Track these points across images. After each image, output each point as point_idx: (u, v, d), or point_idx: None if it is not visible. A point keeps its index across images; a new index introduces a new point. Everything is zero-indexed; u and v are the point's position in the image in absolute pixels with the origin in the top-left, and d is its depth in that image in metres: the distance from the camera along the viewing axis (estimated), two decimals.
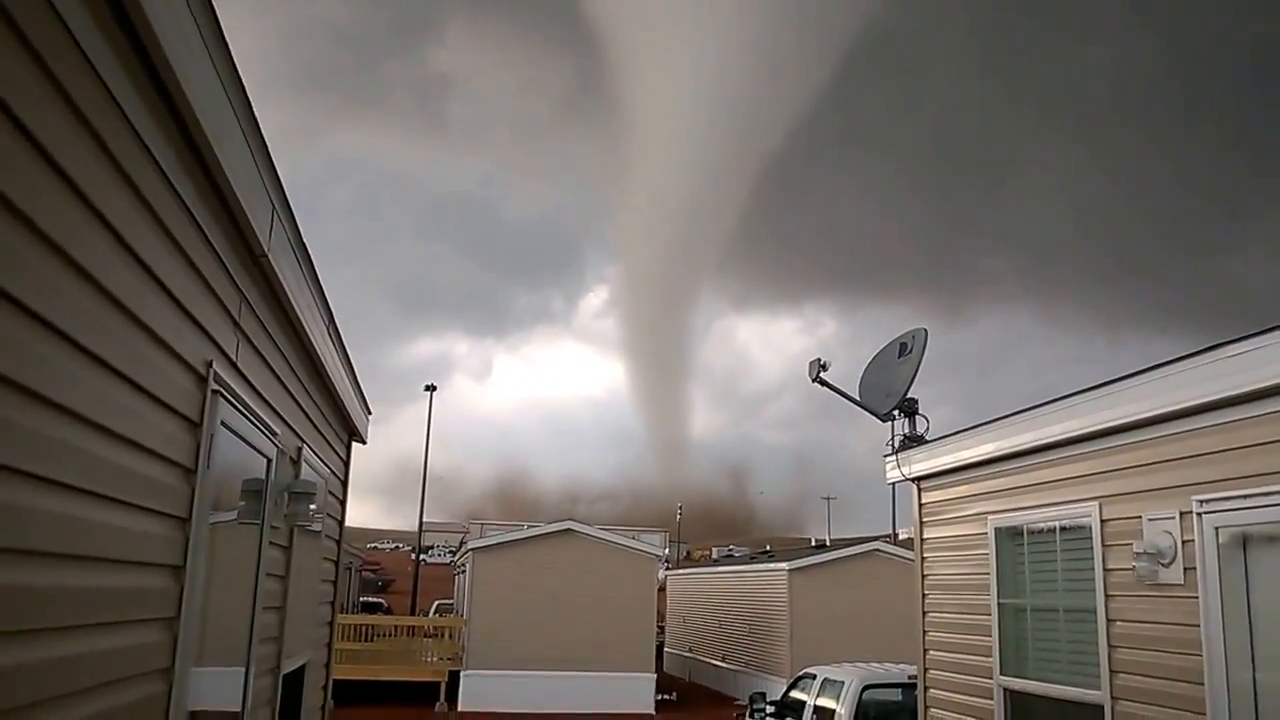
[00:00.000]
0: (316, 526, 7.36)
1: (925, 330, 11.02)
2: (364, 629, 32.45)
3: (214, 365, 4.08)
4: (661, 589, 38.20)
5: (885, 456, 10.87)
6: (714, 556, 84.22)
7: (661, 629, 40.31)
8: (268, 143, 4.32)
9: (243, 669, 5.25)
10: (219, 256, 4.07)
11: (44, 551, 2.64)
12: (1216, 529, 6.38)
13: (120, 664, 3.29)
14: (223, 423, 4.25)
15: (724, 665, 36.93)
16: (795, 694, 17.22)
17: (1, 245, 2.27)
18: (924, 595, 10.19)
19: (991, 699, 8.77)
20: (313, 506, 6.39)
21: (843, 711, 15.06)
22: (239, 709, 5.21)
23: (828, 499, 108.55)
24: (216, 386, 4.11)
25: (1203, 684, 6.39)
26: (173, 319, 3.53)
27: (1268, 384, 6.02)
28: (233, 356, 4.50)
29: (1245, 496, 6.17)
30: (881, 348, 11.65)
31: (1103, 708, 7.34)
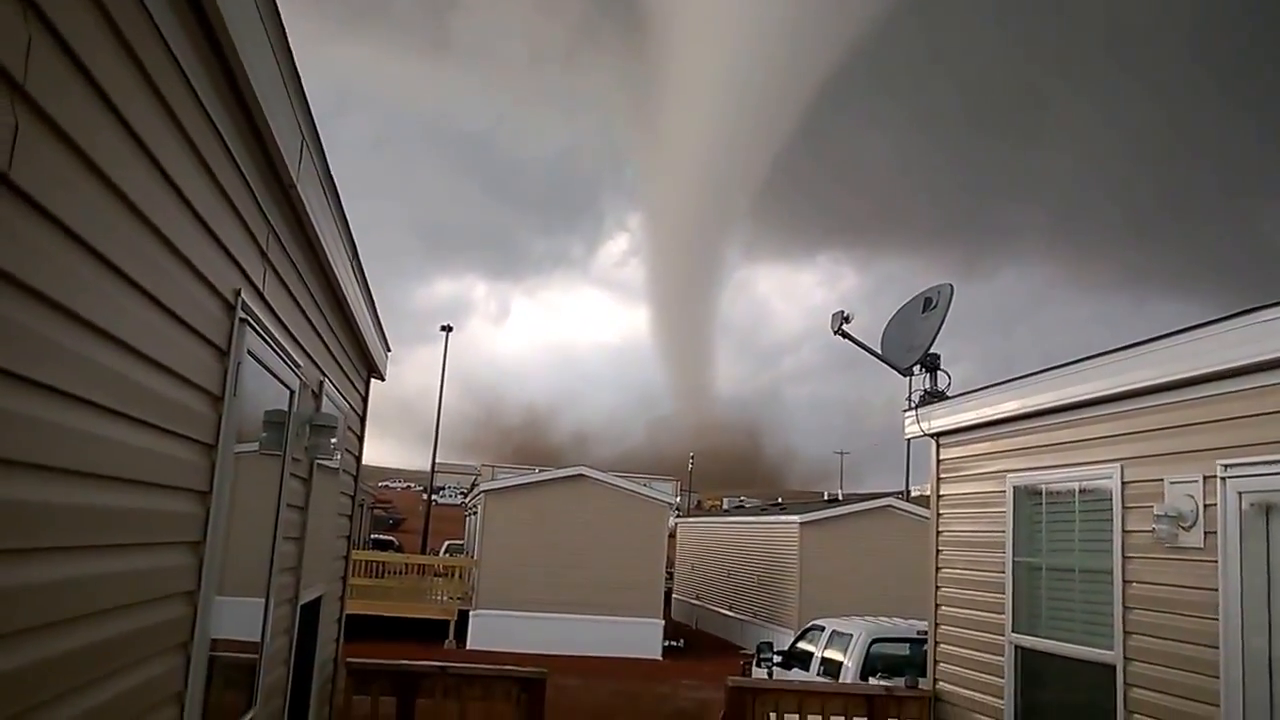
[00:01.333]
0: (336, 461, 7.38)
1: (951, 286, 10.92)
2: (375, 566, 32.70)
3: (242, 294, 4.07)
4: (671, 536, 38.38)
5: (905, 412, 10.83)
6: (725, 507, 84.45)
7: (670, 576, 40.51)
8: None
9: (263, 595, 5.28)
10: (249, 186, 4.05)
11: (68, 469, 2.63)
12: (1240, 494, 6.35)
13: (147, 585, 3.31)
14: (249, 352, 4.24)
15: (731, 614, 37.11)
16: (803, 645, 17.31)
17: (35, 158, 2.24)
18: (938, 551, 10.19)
19: (1002, 656, 8.78)
20: (333, 440, 6.41)
21: (850, 664, 15.13)
22: (259, 634, 5.25)
23: (841, 454, 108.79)
24: (244, 315, 4.10)
25: (1217, 648, 6.38)
26: (203, 245, 3.51)
27: None
28: (260, 287, 4.48)
29: (1271, 463, 6.13)
30: (906, 302, 11.59)
31: (1114, 668, 7.34)
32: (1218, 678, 6.35)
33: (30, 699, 2.50)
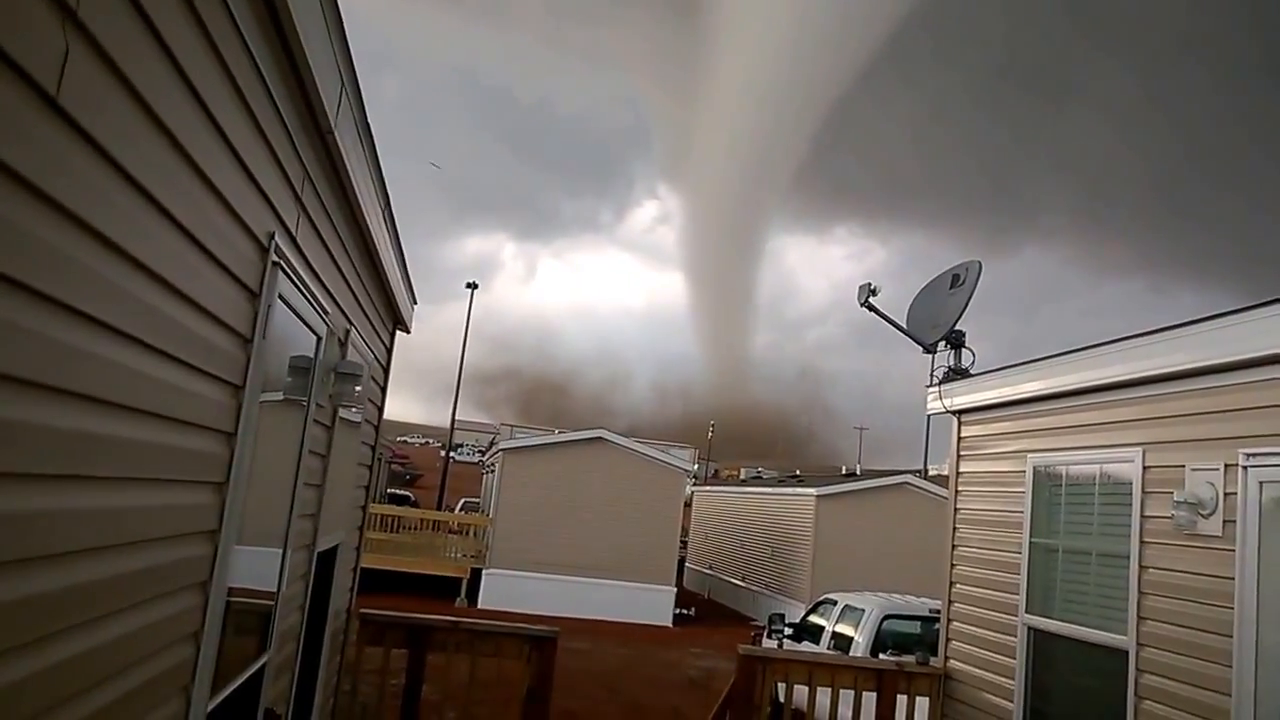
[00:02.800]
0: (358, 410, 7.39)
1: (979, 263, 10.86)
2: (390, 520, 32.82)
3: (276, 237, 4.07)
4: (687, 505, 38.43)
5: (927, 388, 10.81)
6: (742, 477, 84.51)
7: (684, 544, 40.60)
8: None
9: (282, 540, 5.31)
10: (287, 129, 4.05)
11: (103, 399, 2.64)
12: (1261, 484, 6.33)
13: (170, 522, 3.33)
14: (280, 296, 4.24)
15: (743, 585, 37.20)
16: (814, 618, 17.34)
17: (83, 84, 2.25)
18: (955, 529, 10.18)
19: (1014, 636, 8.79)
20: (358, 388, 6.41)
21: (861, 639, 15.15)
22: (276, 578, 5.28)
23: (860, 429, 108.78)
24: (277, 259, 4.10)
25: (1231, 637, 6.38)
26: (241, 186, 3.51)
27: None
28: (293, 231, 4.48)
29: None
30: (933, 277, 11.54)
31: (1127, 653, 7.34)
32: (1230, 667, 6.35)
33: (50, 626, 2.51)
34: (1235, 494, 6.52)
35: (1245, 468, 6.45)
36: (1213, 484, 6.72)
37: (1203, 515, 6.77)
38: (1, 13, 1.91)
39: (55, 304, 2.29)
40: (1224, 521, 6.61)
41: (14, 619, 2.32)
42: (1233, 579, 6.43)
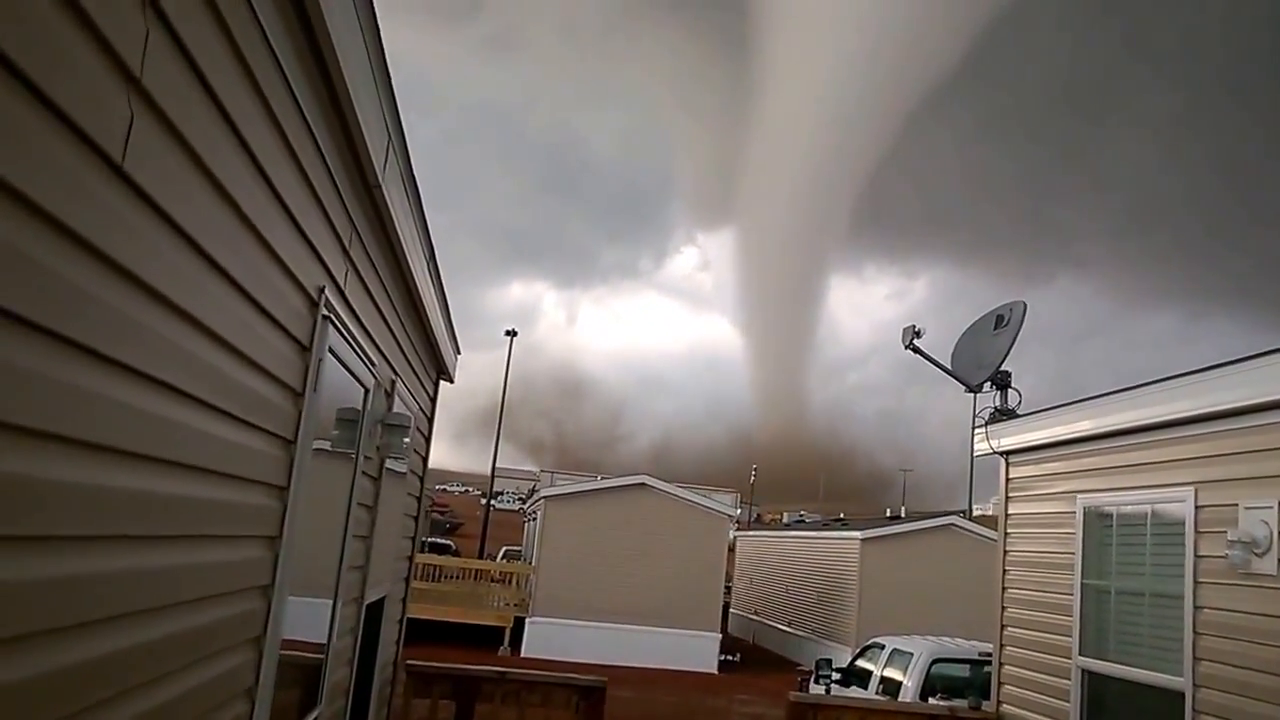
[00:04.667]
0: (405, 462, 7.41)
1: (1024, 304, 10.83)
2: (433, 569, 32.73)
3: (326, 291, 4.11)
4: (731, 549, 38.23)
5: (974, 429, 10.74)
6: (785, 520, 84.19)
7: (728, 589, 40.37)
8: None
9: (332, 593, 5.31)
10: (336, 185, 4.09)
11: (159, 458, 2.65)
12: None
13: (225, 579, 3.33)
14: (330, 349, 4.27)
15: (789, 630, 36.94)
16: (862, 663, 17.18)
17: (147, 151, 2.27)
18: (1005, 571, 10.09)
19: (1068, 679, 8.68)
20: (406, 440, 6.42)
21: (910, 683, 15.00)
22: (327, 632, 5.28)
23: (904, 471, 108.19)
24: (327, 313, 4.14)
25: None
26: (293, 243, 3.55)
27: None
28: (342, 285, 4.52)
29: None
30: (976, 318, 11.51)
31: (1183, 695, 7.23)
32: None
33: (110, 689, 2.50)
34: None
35: None
36: (1267, 522, 6.64)
37: (1257, 554, 6.68)
38: (69, 79, 1.94)
39: (120, 367, 2.31)
40: (1278, 560, 6.52)
41: (77, 684, 2.31)
42: None
